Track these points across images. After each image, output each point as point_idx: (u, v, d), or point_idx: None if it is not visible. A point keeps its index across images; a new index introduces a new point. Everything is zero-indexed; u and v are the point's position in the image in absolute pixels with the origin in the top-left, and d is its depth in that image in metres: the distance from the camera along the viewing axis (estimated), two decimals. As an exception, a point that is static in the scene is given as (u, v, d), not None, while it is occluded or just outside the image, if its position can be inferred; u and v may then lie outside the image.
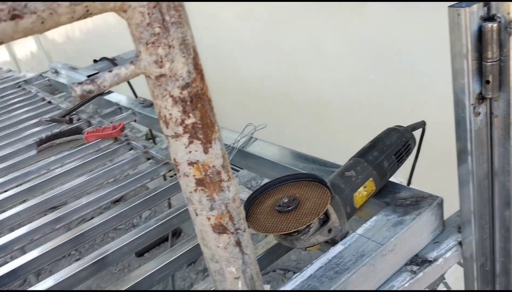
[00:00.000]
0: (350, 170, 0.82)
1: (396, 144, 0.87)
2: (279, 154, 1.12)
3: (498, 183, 0.72)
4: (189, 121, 0.43)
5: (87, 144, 1.51)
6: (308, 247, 0.75)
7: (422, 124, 0.94)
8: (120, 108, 1.84)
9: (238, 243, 0.49)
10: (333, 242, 0.77)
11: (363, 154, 0.85)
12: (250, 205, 0.77)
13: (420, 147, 1.00)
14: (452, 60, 0.64)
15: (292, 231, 0.71)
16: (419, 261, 0.78)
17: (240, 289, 0.50)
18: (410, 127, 0.92)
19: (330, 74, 2.45)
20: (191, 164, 0.44)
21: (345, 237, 0.77)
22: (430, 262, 0.77)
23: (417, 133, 0.95)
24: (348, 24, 2.16)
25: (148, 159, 1.38)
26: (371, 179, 0.82)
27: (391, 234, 0.75)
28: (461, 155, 0.70)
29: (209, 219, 0.47)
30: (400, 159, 0.87)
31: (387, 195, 0.86)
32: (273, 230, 0.72)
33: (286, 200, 0.73)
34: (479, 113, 0.66)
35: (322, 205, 0.72)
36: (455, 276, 2.04)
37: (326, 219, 0.76)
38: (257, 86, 2.93)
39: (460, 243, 0.79)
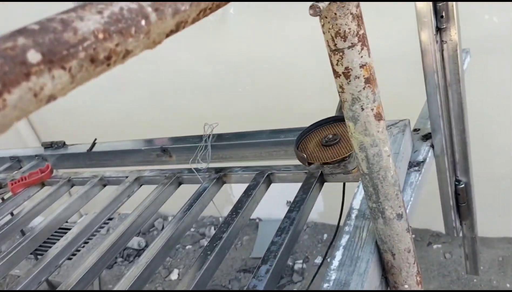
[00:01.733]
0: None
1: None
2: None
3: (453, 91, 1.03)
4: (361, 32, 0.59)
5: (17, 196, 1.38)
6: (353, 168, 0.93)
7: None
8: (18, 161, 1.69)
9: (386, 128, 0.66)
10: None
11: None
12: (299, 143, 0.91)
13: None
14: (416, 4, 0.93)
15: (341, 157, 0.89)
16: (415, 163, 1.03)
17: (391, 163, 0.66)
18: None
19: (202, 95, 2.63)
20: (362, 66, 0.60)
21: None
22: (423, 162, 1.03)
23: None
24: (211, 42, 2.40)
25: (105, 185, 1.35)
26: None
27: (398, 146, 0.99)
28: (428, 72, 0.99)
29: (372, 109, 0.63)
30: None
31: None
32: (327, 159, 0.88)
33: (331, 136, 0.91)
34: (437, 41, 0.96)
35: (357, 131, 0.92)
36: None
37: (353, 147, 0.95)
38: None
39: (431, 146, 1.08)
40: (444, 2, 0.92)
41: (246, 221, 0.96)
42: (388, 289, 0.74)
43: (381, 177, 0.67)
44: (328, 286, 0.66)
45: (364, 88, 0.61)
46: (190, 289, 0.82)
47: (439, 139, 1.06)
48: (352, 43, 0.59)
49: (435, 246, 2.44)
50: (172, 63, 2.57)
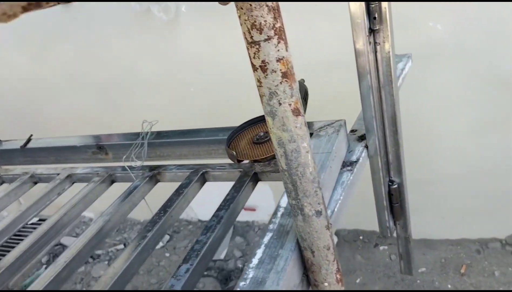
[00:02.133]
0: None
1: (302, 90, 1.12)
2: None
3: (386, 93, 1.04)
4: (278, 25, 0.58)
5: None
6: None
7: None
8: None
9: (306, 124, 0.65)
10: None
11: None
12: (231, 141, 0.90)
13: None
14: (350, 5, 0.93)
15: (270, 155, 0.88)
16: (348, 163, 1.04)
17: (310, 160, 0.66)
18: (302, 80, 1.19)
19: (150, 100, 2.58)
20: (278, 60, 0.59)
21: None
22: (356, 162, 1.04)
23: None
24: (163, 41, 2.35)
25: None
26: (298, 115, 1.05)
27: (330, 146, 0.99)
28: (362, 73, 0.99)
29: (290, 105, 0.62)
30: (305, 104, 1.12)
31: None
32: (257, 156, 0.87)
33: (262, 134, 0.90)
34: (370, 43, 0.97)
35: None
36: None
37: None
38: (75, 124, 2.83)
39: (366, 146, 1.09)
40: (377, 3, 0.93)
41: (175, 220, 0.94)
42: (310, 288, 0.73)
43: (299, 173, 0.66)
44: (244, 284, 0.65)
45: (281, 83, 0.60)
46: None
47: (373, 140, 1.07)
48: (268, 36, 0.58)
49: (381, 248, 2.48)
50: (122, 60, 2.51)
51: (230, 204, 0.90)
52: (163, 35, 2.32)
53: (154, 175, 1.11)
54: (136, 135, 1.26)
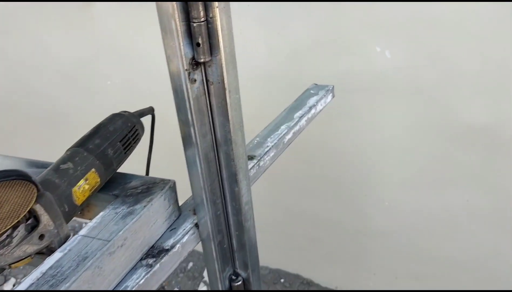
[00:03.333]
0: (67, 162, 0.69)
1: (121, 130, 0.78)
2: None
3: (223, 154, 0.70)
4: None
5: None
6: (13, 263, 0.58)
7: (150, 110, 0.88)
8: None
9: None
10: (50, 252, 0.63)
11: (82, 142, 0.73)
12: None
13: (152, 133, 0.94)
14: (160, 21, 0.59)
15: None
16: (155, 252, 0.70)
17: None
18: (137, 112, 0.84)
19: (65, 83, 2.22)
20: None
21: (65, 241, 0.64)
22: (167, 250, 0.70)
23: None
24: (77, 25, 2.00)
25: None
26: (93, 170, 0.70)
27: (119, 228, 0.65)
28: (184, 127, 0.65)
29: None
30: (127, 146, 0.78)
31: (117, 187, 0.76)
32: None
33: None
34: (195, 80, 0.63)
35: (25, 204, 0.57)
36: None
37: (36, 223, 0.60)
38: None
39: (196, 225, 0.75)
40: (200, 22, 0.59)
41: None
42: None
43: None
44: None
45: None
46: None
47: (205, 219, 0.73)
48: None
49: (302, 297, 2.16)
50: (37, 47, 2.15)
51: None
52: (79, 24, 1.96)
53: None
54: None
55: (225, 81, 0.63)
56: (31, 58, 2.20)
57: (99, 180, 0.71)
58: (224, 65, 0.62)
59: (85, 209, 0.79)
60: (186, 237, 0.73)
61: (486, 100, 1.46)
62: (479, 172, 1.60)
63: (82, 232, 0.66)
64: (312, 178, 1.90)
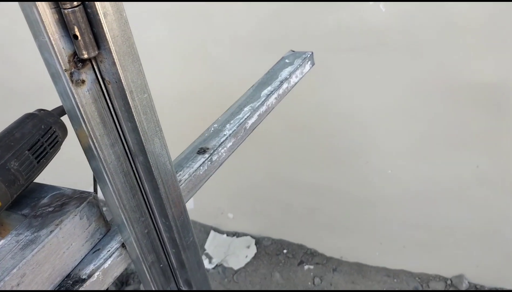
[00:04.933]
0: (-46, 184, 0.57)
1: (31, 135, 0.65)
2: None
3: (141, 165, 0.57)
4: None
5: None
6: None
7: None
8: None
9: None
10: None
11: (-24, 156, 0.61)
12: None
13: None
14: (22, 10, 0.45)
15: None
16: (69, 283, 0.59)
17: None
18: (57, 110, 0.71)
19: None
20: None
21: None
22: (84, 280, 0.59)
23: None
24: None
25: None
26: (-11, 189, 0.59)
27: (15, 263, 0.54)
28: (82, 138, 0.53)
29: None
30: (41, 154, 0.66)
31: (29, 204, 0.65)
32: None
33: None
34: (84, 82, 0.49)
35: None
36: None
37: None
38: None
39: (123, 245, 0.63)
40: (74, 8, 0.45)
41: None
42: None
43: None
44: None
45: None
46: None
47: (130, 240, 0.61)
48: None
49: (306, 267, 2.07)
50: None
51: None
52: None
53: None
54: None
55: (123, 80, 0.50)
56: None
57: (0, 202, 0.60)
58: (117, 60, 0.48)
59: (0, 228, 0.68)
60: (109, 261, 0.62)
61: (494, 56, 1.27)
62: (488, 134, 1.43)
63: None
64: (310, 146, 1.76)
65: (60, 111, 0.72)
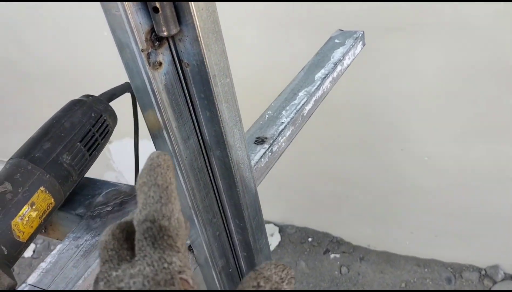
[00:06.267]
0: (3, 182, 0.50)
1: (82, 125, 0.58)
2: None
3: (217, 160, 0.50)
4: None
5: None
6: None
7: (125, 88, 0.67)
8: None
9: None
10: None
11: (26, 150, 0.54)
12: None
13: (136, 119, 0.74)
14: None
15: None
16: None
17: None
18: (105, 95, 0.64)
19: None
20: None
21: (6, 296, 0.47)
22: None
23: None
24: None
25: None
26: (42, 188, 0.52)
27: (79, 273, 0.47)
28: (154, 130, 0.45)
29: None
30: (92, 145, 0.59)
31: (82, 202, 0.58)
32: None
33: None
34: (161, 64, 0.42)
35: None
36: None
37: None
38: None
39: (190, 248, 0.57)
40: (157, -25, 0.37)
41: None
42: None
43: None
44: None
45: None
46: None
47: (198, 241, 0.55)
48: None
49: (332, 256, 2.02)
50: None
51: None
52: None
53: None
54: None
55: (206, 62, 0.42)
56: None
57: (52, 200, 0.53)
58: (201, 37, 0.41)
59: (48, 227, 0.61)
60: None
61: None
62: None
63: (31, 279, 0.48)
64: (341, 132, 1.69)
65: (109, 96, 0.64)
